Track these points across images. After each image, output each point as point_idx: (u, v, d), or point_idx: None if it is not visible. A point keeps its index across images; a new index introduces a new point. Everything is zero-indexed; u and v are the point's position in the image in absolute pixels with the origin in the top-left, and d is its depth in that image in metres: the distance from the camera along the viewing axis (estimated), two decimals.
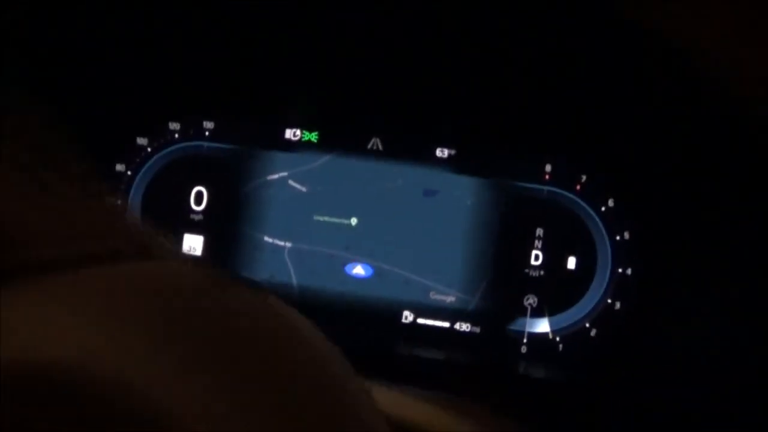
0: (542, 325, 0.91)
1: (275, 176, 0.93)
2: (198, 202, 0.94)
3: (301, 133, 0.93)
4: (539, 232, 0.90)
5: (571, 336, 0.90)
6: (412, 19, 0.85)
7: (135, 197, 0.95)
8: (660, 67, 0.76)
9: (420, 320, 0.92)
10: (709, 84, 0.71)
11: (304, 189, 0.93)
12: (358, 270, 0.92)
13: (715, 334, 0.79)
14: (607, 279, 0.90)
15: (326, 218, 0.93)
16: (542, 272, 0.90)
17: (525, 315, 0.91)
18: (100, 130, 0.92)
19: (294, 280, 0.93)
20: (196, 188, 0.94)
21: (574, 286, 0.90)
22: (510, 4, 0.80)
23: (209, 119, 0.94)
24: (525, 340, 0.91)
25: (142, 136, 0.95)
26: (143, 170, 0.95)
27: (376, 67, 0.90)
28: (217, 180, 0.94)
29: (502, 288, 0.91)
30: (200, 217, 0.94)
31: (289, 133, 0.93)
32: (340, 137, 0.93)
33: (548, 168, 0.90)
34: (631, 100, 0.84)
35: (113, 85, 0.92)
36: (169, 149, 0.95)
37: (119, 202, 0.93)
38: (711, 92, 0.72)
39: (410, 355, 0.91)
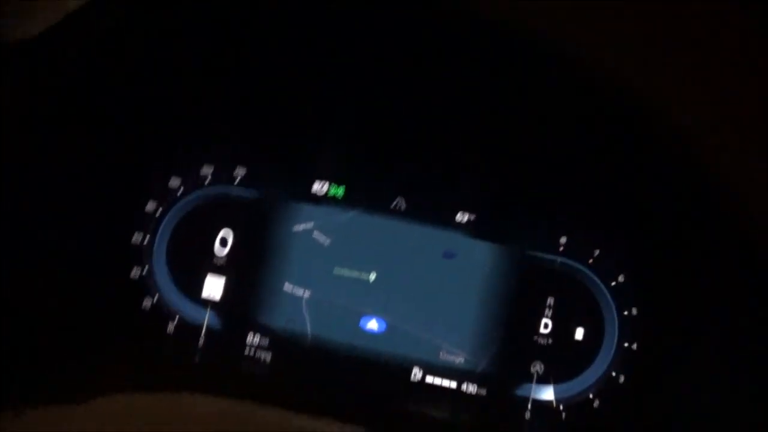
0: (547, 393, 0.93)
1: (300, 227, 0.96)
2: (223, 245, 0.96)
3: (329, 186, 0.96)
4: (550, 301, 0.93)
5: (575, 406, 0.92)
6: (445, 85, 0.90)
7: (162, 236, 0.97)
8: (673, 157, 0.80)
9: (428, 378, 0.94)
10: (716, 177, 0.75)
11: (327, 242, 0.96)
12: (372, 324, 0.95)
13: (718, 411, 0.81)
14: (612, 352, 0.92)
15: (346, 272, 0.95)
16: (550, 340, 0.93)
17: (531, 381, 0.93)
18: (134, 169, 0.96)
19: (309, 330, 0.95)
20: (222, 232, 0.97)
21: (580, 357, 0.93)
22: (537, 84, 0.85)
23: (241, 166, 0.98)
24: (529, 407, 0.92)
25: (175, 177, 0.98)
26: (172, 210, 0.98)
27: (406, 128, 0.94)
28: (243, 226, 0.97)
29: (511, 353, 0.93)
30: (224, 260, 0.97)
31: (317, 186, 0.97)
32: (366, 194, 0.96)
33: (563, 240, 0.94)
34: (647, 183, 0.88)
35: (151, 126, 0.96)
36: (199, 192, 0.98)
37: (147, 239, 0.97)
38: (717, 183, 0.76)
39: (417, 412, 0.92)
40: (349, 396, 0.93)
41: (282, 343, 0.95)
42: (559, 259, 0.94)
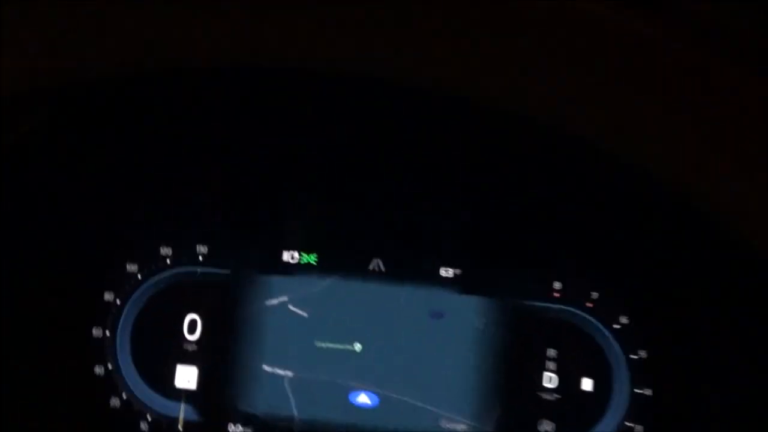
0: None
1: (274, 301, 0.89)
2: (192, 330, 0.89)
3: (300, 255, 0.90)
4: (551, 353, 0.87)
5: None
6: (412, 138, 0.83)
7: (124, 327, 0.90)
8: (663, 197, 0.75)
9: None
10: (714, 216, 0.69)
11: (305, 314, 0.89)
12: (364, 399, 0.87)
13: None
14: (625, 401, 0.86)
15: (329, 344, 0.88)
16: (557, 395, 0.86)
17: None
18: (87, 256, 0.88)
19: (295, 412, 0.87)
20: (190, 316, 0.90)
21: (591, 410, 0.86)
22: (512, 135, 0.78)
23: (203, 243, 0.90)
24: None
25: (132, 262, 0.90)
26: (133, 298, 0.90)
27: (375, 185, 0.88)
28: (211, 307, 0.90)
29: (516, 414, 0.86)
30: (194, 346, 0.89)
31: (286, 256, 0.90)
32: (340, 259, 0.89)
33: (557, 285, 0.87)
34: (638, 218, 0.82)
35: (101, 209, 0.89)
36: (161, 276, 0.91)
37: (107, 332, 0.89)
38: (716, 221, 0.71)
39: None
40: None
41: (267, 430, 0.87)
42: (555, 306, 0.87)
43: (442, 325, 0.87)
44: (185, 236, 0.90)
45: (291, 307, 0.88)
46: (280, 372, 0.87)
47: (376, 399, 0.87)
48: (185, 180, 0.89)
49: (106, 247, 0.90)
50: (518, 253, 0.88)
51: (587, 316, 0.87)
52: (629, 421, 0.85)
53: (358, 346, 0.87)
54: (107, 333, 0.90)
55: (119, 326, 0.90)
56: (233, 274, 0.89)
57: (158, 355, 0.89)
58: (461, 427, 0.86)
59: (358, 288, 0.88)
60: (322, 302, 0.88)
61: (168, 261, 0.90)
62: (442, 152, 0.84)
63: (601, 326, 0.87)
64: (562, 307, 0.87)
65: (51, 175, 0.81)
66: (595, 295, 0.87)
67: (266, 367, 0.88)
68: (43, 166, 0.79)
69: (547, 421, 0.86)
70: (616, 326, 0.87)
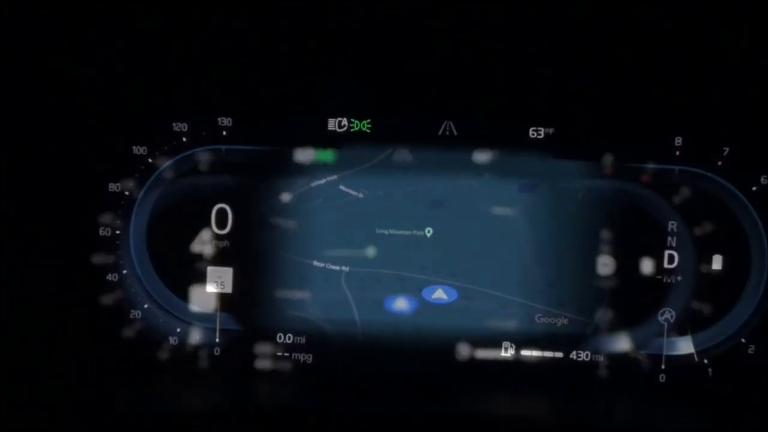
0: (684, 346, 0.73)
1: (321, 181, 0.74)
2: (221, 224, 0.75)
3: (349, 122, 0.73)
4: (672, 225, 0.72)
5: (724, 356, 0.72)
6: None
7: (137, 226, 0.75)
8: None
9: (525, 352, 0.74)
10: None
11: (360, 195, 0.74)
12: (440, 294, 0.75)
13: None
14: (765, 280, 0.72)
15: (392, 231, 0.75)
16: (680, 277, 0.73)
17: (661, 334, 0.73)
18: (84, 139, 0.73)
19: (356, 315, 0.75)
20: (218, 206, 0.75)
21: (722, 293, 0.72)
22: None
23: (225, 115, 0.74)
24: (663, 366, 0.73)
25: (140, 143, 0.74)
26: (145, 188, 0.75)
27: (443, 32, 0.69)
28: (243, 193, 0.75)
29: (629, 303, 0.73)
30: (226, 242, 0.75)
31: (333, 124, 0.74)
32: (400, 124, 0.74)
33: (678, 141, 0.72)
34: None
35: (99, 80, 0.72)
36: (177, 158, 0.75)
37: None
38: None
39: (516, 396, 0.73)
40: (422, 392, 0.72)
41: (323, 339, 0.75)
42: (676, 167, 0.72)
43: (534, 199, 0.74)
44: (201, 109, 0.74)
45: (342, 187, 0.75)
46: (335, 267, 0.75)
47: (454, 293, 0.75)
48: (198, 39, 0.70)
49: (107, 126, 0.74)
50: (624, 104, 0.72)
51: (717, 178, 0.72)
52: None
53: (429, 231, 0.74)
54: (117, 233, 0.75)
55: (131, 224, 0.76)
56: (267, 150, 0.74)
57: (183, 255, 0.75)
58: (561, 321, 0.73)
59: (425, 159, 0.74)
60: (380, 179, 0.75)
61: (184, 139, 0.74)
62: None
63: (734, 189, 0.72)
64: (685, 168, 0.72)
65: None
66: (726, 150, 0.72)
67: (317, 263, 0.75)
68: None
69: (668, 310, 0.73)
70: (754, 188, 0.72)
